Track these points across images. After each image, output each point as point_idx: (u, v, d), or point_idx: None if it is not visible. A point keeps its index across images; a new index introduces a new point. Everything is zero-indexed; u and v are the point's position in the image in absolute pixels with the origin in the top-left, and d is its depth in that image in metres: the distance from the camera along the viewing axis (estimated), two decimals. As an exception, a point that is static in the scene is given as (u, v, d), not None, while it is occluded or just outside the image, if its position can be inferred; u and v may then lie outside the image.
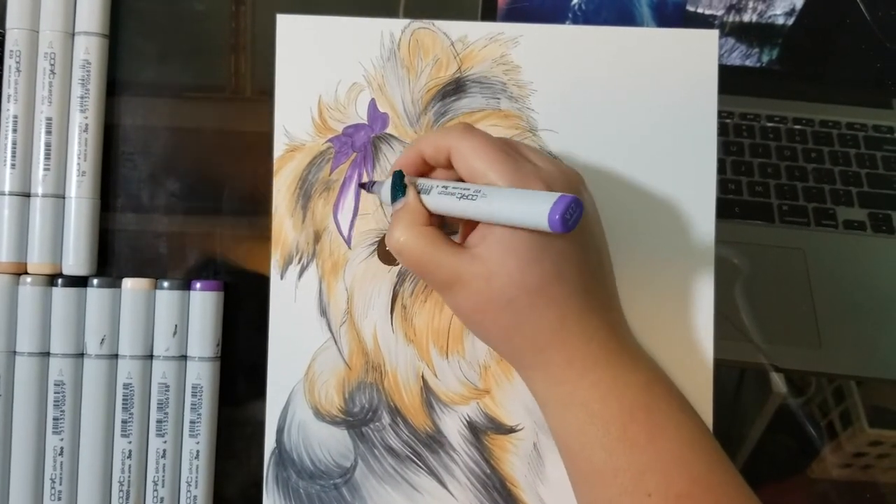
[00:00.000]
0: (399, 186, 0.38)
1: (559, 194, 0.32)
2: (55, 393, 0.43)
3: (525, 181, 0.35)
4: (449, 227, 0.41)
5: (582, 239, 0.37)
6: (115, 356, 0.43)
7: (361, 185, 0.44)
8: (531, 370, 0.38)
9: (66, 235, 0.44)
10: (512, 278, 0.35)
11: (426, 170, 0.39)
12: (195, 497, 0.43)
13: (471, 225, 0.38)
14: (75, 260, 0.43)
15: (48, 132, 0.43)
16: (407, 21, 0.45)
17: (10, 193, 0.43)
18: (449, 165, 0.38)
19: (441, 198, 0.37)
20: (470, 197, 0.35)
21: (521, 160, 0.36)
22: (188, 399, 0.44)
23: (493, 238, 0.35)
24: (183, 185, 0.45)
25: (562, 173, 0.37)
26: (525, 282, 0.35)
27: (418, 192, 0.38)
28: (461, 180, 0.37)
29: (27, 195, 0.44)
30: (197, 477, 0.43)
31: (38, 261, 0.43)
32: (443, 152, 0.37)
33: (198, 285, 0.44)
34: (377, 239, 0.44)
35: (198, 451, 0.43)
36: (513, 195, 0.34)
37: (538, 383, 0.38)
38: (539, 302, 0.35)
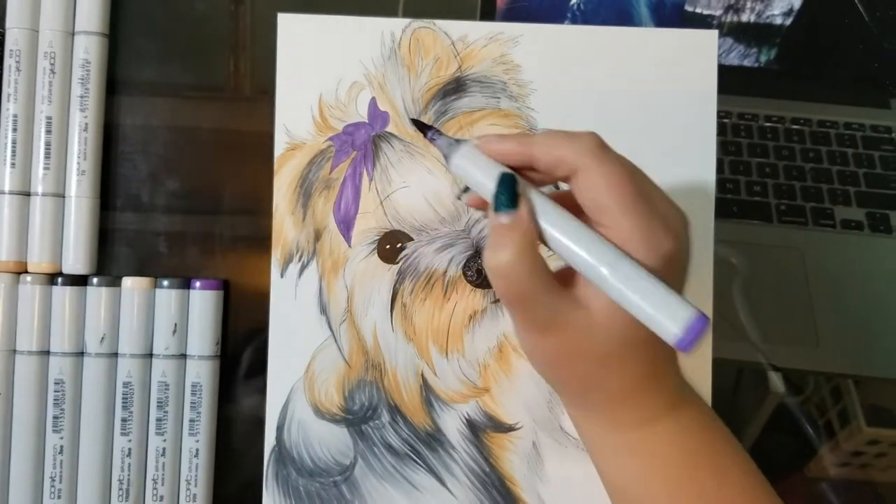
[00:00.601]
0: (510, 195, 0.31)
1: (691, 316, 0.29)
2: (55, 391, 0.43)
3: (656, 237, 0.30)
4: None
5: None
6: (115, 355, 0.43)
7: (421, 127, 0.35)
8: (589, 412, 0.35)
9: (66, 234, 0.44)
10: (615, 334, 0.31)
11: (526, 169, 0.33)
12: (195, 495, 0.43)
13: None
14: (75, 259, 0.43)
15: (48, 131, 0.44)
16: (407, 20, 0.45)
17: (11, 192, 0.43)
18: (558, 179, 0.32)
19: (554, 240, 0.31)
20: (587, 270, 0.30)
21: (651, 205, 0.31)
22: (188, 397, 0.44)
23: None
24: (183, 183, 0.45)
25: (682, 218, 0.33)
26: (628, 338, 0.31)
27: (532, 210, 0.31)
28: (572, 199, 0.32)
29: (27, 194, 0.44)
30: (196, 475, 0.43)
31: (38, 260, 0.43)
32: (563, 168, 0.31)
33: (197, 284, 0.44)
34: (377, 237, 0.44)
35: (197, 450, 0.43)
36: (641, 289, 0.29)
37: (594, 426, 0.35)
38: (633, 359, 0.32)
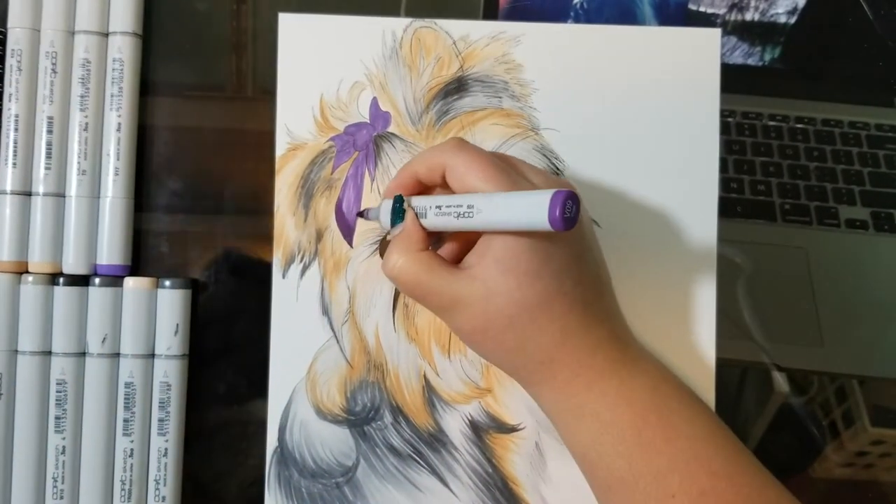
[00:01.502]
0: (399, 211, 0.38)
1: (554, 190, 0.32)
2: (57, 392, 0.43)
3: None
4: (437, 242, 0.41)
5: (580, 252, 0.37)
6: (117, 355, 0.43)
7: (359, 214, 0.44)
8: (537, 386, 0.38)
9: (67, 234, 0.44)
10: (512, 297, 0.35)
11: (422, 189, 0.39)
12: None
13: (461, 238, 0.38)
14: (75, 259, 0.43)
15: (49, 131, 0.43)
16: (409, 20, 0.45)
17: (12, 192, 0.43)
18: (444, 183, 0.37)
19: (438, 219, 0.36)
20: (465, 214, 0.35)
21: (516, 175, 0.36)
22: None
23: (491, 257, 0.35)
24: (184, 184, 0.45)
25: (557, 186, 0.36)
26: (525, 299, 0.35)
27: (416, 216, 0.37)
28: None
29: (28, 194, 0.44)
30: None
31: (39, 260, 0.43)
32: (437, 171, 0.37)
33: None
34: (379, 238, 0.44)
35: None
36: (508, 201, 0.34)
37: (546, 398, 0.38)
38: (540, 318, 0.35)
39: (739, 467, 0.36)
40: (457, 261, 0.38)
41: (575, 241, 0.36)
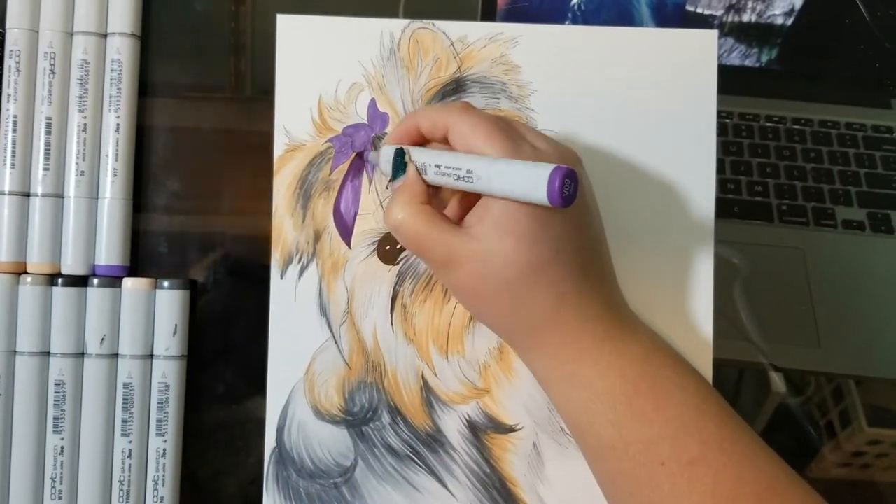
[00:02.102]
0: (400, 165, 0.38)
1: (554, 166, 0.32)
2: (55, 392, 0.43)
3: (522, 157, 0.35)
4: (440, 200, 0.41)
5: (579, 219, 0.37)
6: (116, 356, 0.43)
7: (359, 155, 0.44)
8: (530, 351, 0.38)
9: (66, 235, 0.44)
10: (509, 259, 0.35)
11: (421, 141, 0.39)
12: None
13: (465, 199, 0.38)
14: (74, 259, 0.43)
15: (48, 132, 0.44)
16: (407, 21, 0.45)
17: (10, 193, 0.43)
18: (445, 140, 0.38)
19: (438, 178, 0.37)
20: (465, 179, 0.35)
21: (519, 139, 0.36)
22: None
23: (491, 219, 0.35)
24: (182, 184, 0.45)
25: (558, 153, 0.37)
26: (522, 262, 0.35)
27: (417, 170, 0.38)
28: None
29: (27, 195, 0.44)
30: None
31: (37, 260, 0.43)
32: (440, 128, 0.37)
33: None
34: (377, 238, 0.44)
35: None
36: (507, 173, 0.34)
37: (538, 364, 0.38)
38: (536, 283, 0.35)
39: (731, 435, 0.36)
40: (458, 219, 0.38)
41: (575, 208, 0.36)
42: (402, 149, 0.38)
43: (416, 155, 0.38)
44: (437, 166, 0.36)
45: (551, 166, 0.32)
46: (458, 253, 0.35)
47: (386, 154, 0.39)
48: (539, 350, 0.38)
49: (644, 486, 0.35)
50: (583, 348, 0.37)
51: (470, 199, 0.38)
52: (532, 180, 0.32)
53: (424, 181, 0.37)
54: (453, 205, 0.40)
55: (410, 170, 0.38)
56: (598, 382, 0.36)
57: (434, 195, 0.39)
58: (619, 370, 0.37)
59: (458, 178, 0.35)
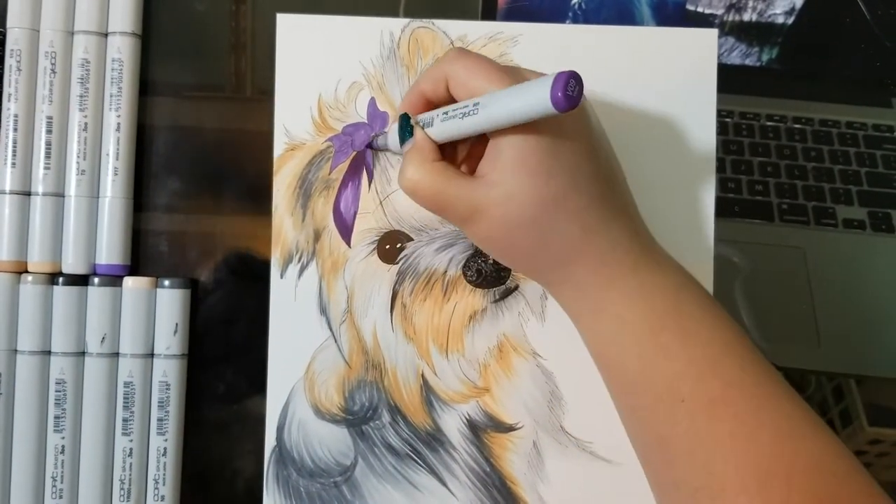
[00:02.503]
0: (406, 129, 0.38)
1: (556, 72, 0.32)
2: (56, 391, 0.43)
3: None
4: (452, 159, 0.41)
5: (590, 149, 0.37)
6: (116, 355, 0.44)
7: (368, 146, 0.44)
8: (560, 285, 0.38)
9: (66, 234, 0.44)
10: (530, 196, 0.35)
11: (429, 107, 0.39)
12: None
13: (476, 158, 0.38)
14: (75, 258, 0.44)
15: (48, 131, 0.44)
16: (406, 20, 0.45)
17: (11, 192, 0.43)
18: (450, 97, 0.37)
19: (445, 125, 0.36)
20: (471, 112, 0.35)
21: (519, 76, 0.36)
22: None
23: (503, 161, 0.35)
24: (182, 183, 0.45)
25: None
26: (543, 197, 0.35)
27: (424, 129, 0.37)
28: None
29: (27, 194, 0.44)
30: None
31: (38, 259, 0.43)
32: (441, 82, 0.37)
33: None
34: (377, 238, 0.44)
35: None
36: (510, 92, 0.34)
37: (568, 298, 0.39)
38: (559, 216, 0.35)
39: (754, 378, 0.36)
40: (470, 174, 0.38)
41: (583, 137, 0.36)
42: (405, 114, 0.38)
43: (421, 116, 0.38)
44: (445, 113, 0.36)
45: (552, 76, 0.32)
46: (479, 203, 0.35)
47: (394, 130, 0.39)
48: (568, 284, 0.38)
49: (663, 421, 0.35)
50: (612, 278, 0.37)
51: (480, 152, 0.37)
52: (535, 90, 0.32)
53: (432, 139, 0.37)
54: (464, 165, 0.40)
55: (417, 131, 0.37)
56: (626, 314, 0.36)
57: (445, 156, 0.38)
58: (648, 303, 0.36)
59: (464, 116, 0.35)
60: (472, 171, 0.38)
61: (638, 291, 0.37)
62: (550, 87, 0.31)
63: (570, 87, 0.31)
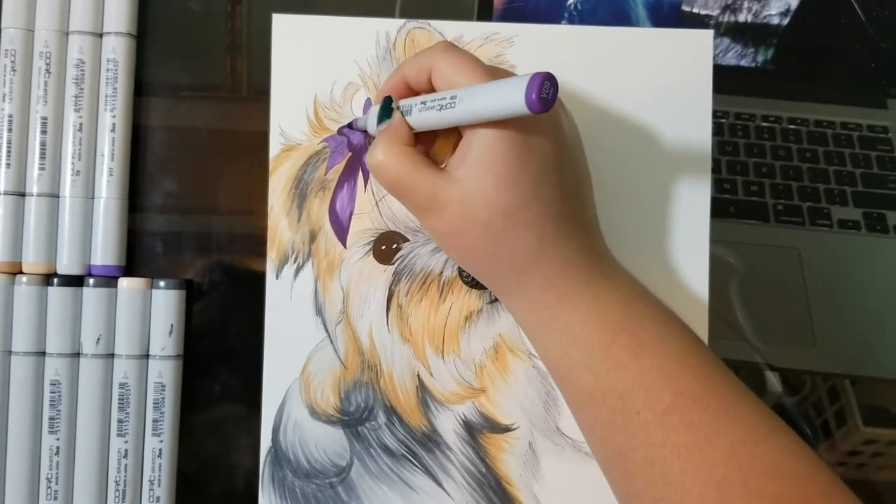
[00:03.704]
0: (387, 110, 0.38)
1: (532, 73, 0.31)
2: (51, 392, 0.43)
3: None
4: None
5: (559, 159, 0.36)
6: (111, 356, 0.43)
7: (349, 125, 0.44)
8: (511, 295, 0.38)
9: (61, 234, 0.44)
10: (489, 200, 0.35)
11: (410, 94, 0.39)
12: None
13: (448, 146, 0.38)
14: (69, 259, 0.43)
15: (43, 132, 0.43)
16: (402, 21, 0.45)
17: (5, 193, 0.43)
18: (431, 87, 0.37)
19: (422, 114, 0.36)
20: (448, 105, 0.35)
21: (498, 72, 0.36)
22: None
23: (470, 159, 0.35)
24: (178, 184, 0.45)
25: None
26: (502, 203, 0.35)
27: (402, 114, 0.37)
28: None
29: (22, 194, 0.44)
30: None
31: (33, 260, 0.43)
32: (424, 72, 0.37)
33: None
34: (373, 238, 0.44)
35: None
36: (486, 89, 0.34)
37: (519, 308, 0.38)
38: (516, 224, 0.35)
39: (709, 386, 0.36)
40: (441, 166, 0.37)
41: (554, 146, 0.36)
42: (389, 97, 0.38)
43: (402, 101, 0.38)
44: (423, 102, 0.36)
45: (528, 76, 0.32)
46: (440, 196, 0.35)
47: (374, 112, 0.39)
48: (520, 294, 0.38)
49: (620, 434, 0.36)
50: (563, 293, 0.37)
51: (454, 147, 0.37)
52: (510, 90, 0.32)
53: (408, 125, 0.37)
54: (440, 155, 0.40)
55: (396, 114, 0.37)
56: (577, 328, 0.37)
57: (426, 150, 0.38)
58: (599, 317, 0.37)
59: (441, 108, 0.35)
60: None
61: (590, 305, 0.37)
62: (525, 87, 0.31)
63: (544, 90, 0.31)
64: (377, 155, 0.36)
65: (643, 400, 0.35)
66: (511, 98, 0.32)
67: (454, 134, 0.39)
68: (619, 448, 0.36)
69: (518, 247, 0.36)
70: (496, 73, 0.36)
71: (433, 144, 0.40)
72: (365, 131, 0.42)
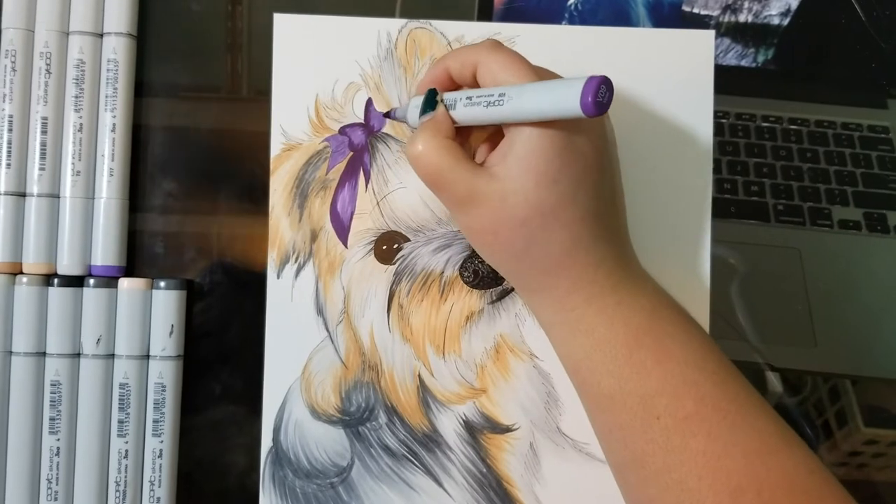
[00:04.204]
0: (431, 103, 0.37)
1: (588, 76, 0.31)
2: (51, 393, 0.43)
3: None
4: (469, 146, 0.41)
5: (599, 163, 0.36)
6: (112, 356, 0.43)
7: (386, 115, 0.43)
8: (537, 294, 0.38)
9: (62, 235, 0.44)
10: (528, 198, 0.35)
11: (452, 86, 0.39)
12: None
13: (492, 145, 0.38)
14: (70, 259, 0.43)
15: (43, 132, 0.43)
16: (404, 21, 0.45)
17: (6, 193, 0.43)
18: (475, 82, 0.37)
19: (468, 109, 0.36)
20: (496, 103, 0.34)
21: (545, 73, 0.36)
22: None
23: (514, 156, 0.35)
24: (179, 184, 0.45)
25: None
26: (540, 202, 0.35)
27: (447, 107, 0.37)
28: None
29: (22, 195, 0.44)
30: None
31: (33, 260, 0.43)
32: (469, 67, 0.37)
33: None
34: (374, 238, 0.44)
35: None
36: (541, 87, 0.33)
37: (544, 308, 0.38)
38: (552, 224, 0.35)
39: (728, 395, 0.36)
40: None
41: (595, 149, 0.36)
42: (434, 89, 0.37)
43: (446, 95, 0.37)
44: (469, 98, 0.36)
45: (584, 78, 0.31)
46: (478, 192, 0.35)
47: (414, 103, 0.38)
48: (547, 293, 0.38)
49: (639, 439, 0.36)
50: (591, 295, 0.37)
51: (496, 145, 0.37)
52: (566, 90, 0.32)
53: (452, 118, 0.37)
54: (481, 152, 0.40)
55: (440, 107, 0.37)
56: (602, 331, 0.37)
57: (462, 142, 0.38)
58: (624, 321, 0.37)
59: (489, 105, 0.35)
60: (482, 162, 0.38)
61: (616, 309, 0.37)
62: (581, 90, 0.31)
63: (601, 94, 0.31)
64: (418, 146, 0.36)
65: (665, 405, 0.35)
66: (566, 100, 0.32)
67: (489, 127, 0.39)
68: (636, 453, 0.36)
69: (551, 247, 0.36)
70: (543, 73, 0.36)
71: (468, 137, 0.40)
72: (401, 118, 0.42)
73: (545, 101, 0.33)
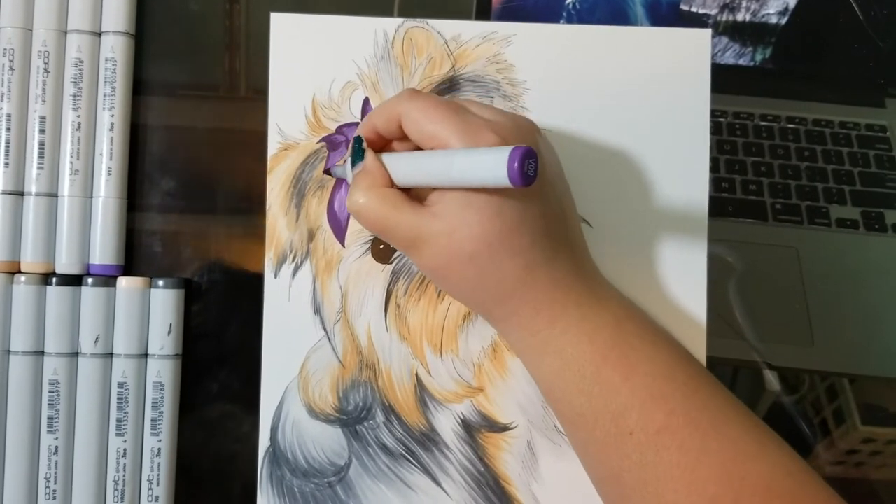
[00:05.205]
0: (359, 152, 0.38)
1: (511, 147, 0.32)
2: (49, 392, 0.43)
3: (477, 135, 0.35)
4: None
5: (541, 187, 0.37)
6: (110, 355, 0.43)
7: (326, 172, 0.44)
8: (502, 322, 0.39)
9: (60, 234, 0.44)
10: (472, 232, 0.35)
11: (382, 143, 0.39)
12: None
13: None
14: (68, 258, 0.43)
15: (42, 131, 0.43)
16: (401, 20, 0.45)
17: (4, 192, 0.43)
18: (403, 136, 0.38)
19: (407, 178, 0.37)
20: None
21: (471, 115, 0.36)
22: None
23: (452, 194, 0.35)
24: (176, 183, 0.45)
25: (513, 122, 0.37)
26: (486, 234, 0.35)
27: (375, 154, 0.38)
28: (418, 148, 0.37)
29: (20, 194, 0.44)
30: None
31: (31, 260, 0.43)
32: (394, 121, 0.37)
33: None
34: (371, 237, 0.44)
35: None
36: (465, 167, 0.34)
37: (510, 334, 0.39)
38: (501, 254, 0.36)
39: (699, 404, 0.36)
40: (422, 198, 0.38)
41: (539, 174, 0.36)
42: (359, 137, 0.38)
43: (384, 156, 0.38)
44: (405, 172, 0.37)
45: (508, 149, 0.32)
46: (423, 233, 0.36)
47: (348, 160, 0.39)
48: (511, 320, 0.38)
49: (613, 455, 0.36)
50: (553, 316, 0.37)
51: None
52: (492, 166, 0.32)
53: (383, 164, 0.37)
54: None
55: (368, 154, 0.38)
56: (569, 350, 0.37)
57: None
58: (589, 338, 0.37)
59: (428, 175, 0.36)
60: (424, 193, 0.39)
61: (580, 327, 0.37)
62: (506, 166, 0.31)
63: (527, 165, 0.32)
64: (357, 199, 0.37)
65: (636, 420, 0.35)
66: (494, 176, 0.32)
67: None
68: (613, 469, 0.36)
69: (505, 275, 0.36)
70: (463, 113, 0.36)
71: None
72: (342, 178, 0.43)
73: (475, 176, 0.34)
